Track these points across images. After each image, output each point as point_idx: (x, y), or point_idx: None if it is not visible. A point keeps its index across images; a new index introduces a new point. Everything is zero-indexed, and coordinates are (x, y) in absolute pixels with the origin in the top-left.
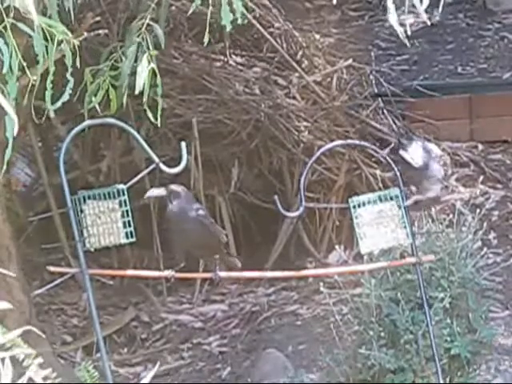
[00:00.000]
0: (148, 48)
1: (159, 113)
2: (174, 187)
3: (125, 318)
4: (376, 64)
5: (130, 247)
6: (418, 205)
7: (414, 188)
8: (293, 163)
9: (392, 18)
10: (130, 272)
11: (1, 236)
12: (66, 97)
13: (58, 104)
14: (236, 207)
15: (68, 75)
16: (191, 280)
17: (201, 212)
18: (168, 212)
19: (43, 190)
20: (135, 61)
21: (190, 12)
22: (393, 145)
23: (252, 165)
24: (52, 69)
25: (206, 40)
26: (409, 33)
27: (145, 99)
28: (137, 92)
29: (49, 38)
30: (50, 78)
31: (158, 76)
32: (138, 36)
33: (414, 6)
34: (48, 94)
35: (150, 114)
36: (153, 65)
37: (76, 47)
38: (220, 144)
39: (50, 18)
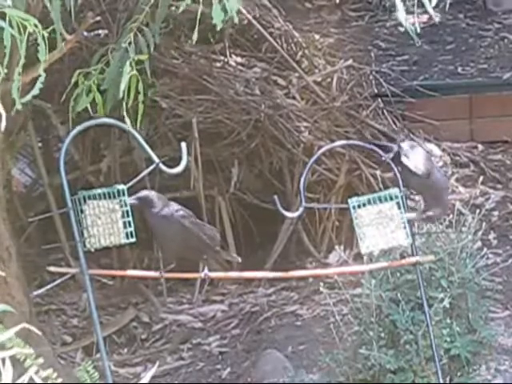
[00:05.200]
0: (137, 52)
1: (139, 118)
2: (145, 194)
3: (125, 318)
4: (376, 64)
5: (130, 247)
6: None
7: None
8: (293, 163)
9: (400, 15)
10: (130, 272)
11: (1, 236)
12: (36, 91)
13: (28, 97)
14: (236, 207)
15: (40, 70)
16: (191, 280)
17: (181, 213)
18: (148, 219)
19: (43, 191)
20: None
21: (180, 11)
22: (394, 151)
23: (252, 165)
24: (22, 61)
25: (194, 38)
26: (418, 30)
27: (124, 105)
28: (120, 97)
29: (22, 31)
30: (19, 70)
31: (141, 82)
32: (126, 41)
33: (413, 6)
34: (15, 86)
35: (128, 121)
36: (134, 71)
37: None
38: (220, 144)
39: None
